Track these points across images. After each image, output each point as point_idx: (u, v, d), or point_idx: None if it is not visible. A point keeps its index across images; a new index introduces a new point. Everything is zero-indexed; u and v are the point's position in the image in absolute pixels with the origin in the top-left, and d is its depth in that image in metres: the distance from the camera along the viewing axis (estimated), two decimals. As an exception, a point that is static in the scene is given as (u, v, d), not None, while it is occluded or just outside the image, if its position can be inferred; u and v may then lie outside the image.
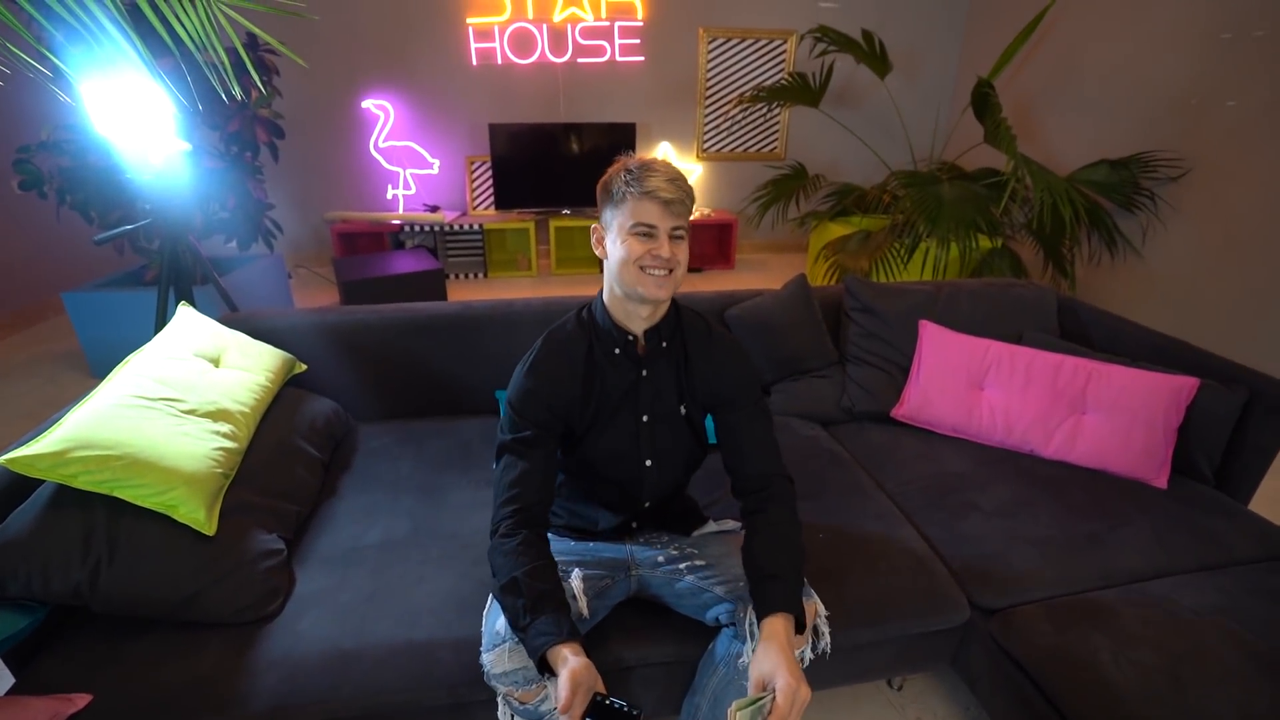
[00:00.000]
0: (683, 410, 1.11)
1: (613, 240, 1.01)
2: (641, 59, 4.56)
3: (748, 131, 4.87)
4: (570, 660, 0.83)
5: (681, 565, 1.10)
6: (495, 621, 0.98)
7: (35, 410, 2.62)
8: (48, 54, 1.43)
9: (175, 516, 1.09)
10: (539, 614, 0.89)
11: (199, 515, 1.11)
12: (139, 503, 1.07)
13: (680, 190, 0.97)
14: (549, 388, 1.04)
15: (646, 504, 1.15)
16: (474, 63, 4.40)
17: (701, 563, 1.10)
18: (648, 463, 1.11)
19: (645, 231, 0.96)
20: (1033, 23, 3.37)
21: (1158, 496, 1.49)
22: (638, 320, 1.05)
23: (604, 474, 1.12)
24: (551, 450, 1.06)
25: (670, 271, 0.98)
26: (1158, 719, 0.98)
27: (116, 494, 1.06)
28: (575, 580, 1.04)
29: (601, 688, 0.85)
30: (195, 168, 2.52)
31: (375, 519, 1.37)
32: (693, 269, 4.76)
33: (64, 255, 3.58)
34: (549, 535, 1.16)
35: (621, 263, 0.98)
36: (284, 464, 1.38)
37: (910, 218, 3.02)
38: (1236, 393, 1.52)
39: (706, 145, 4.87)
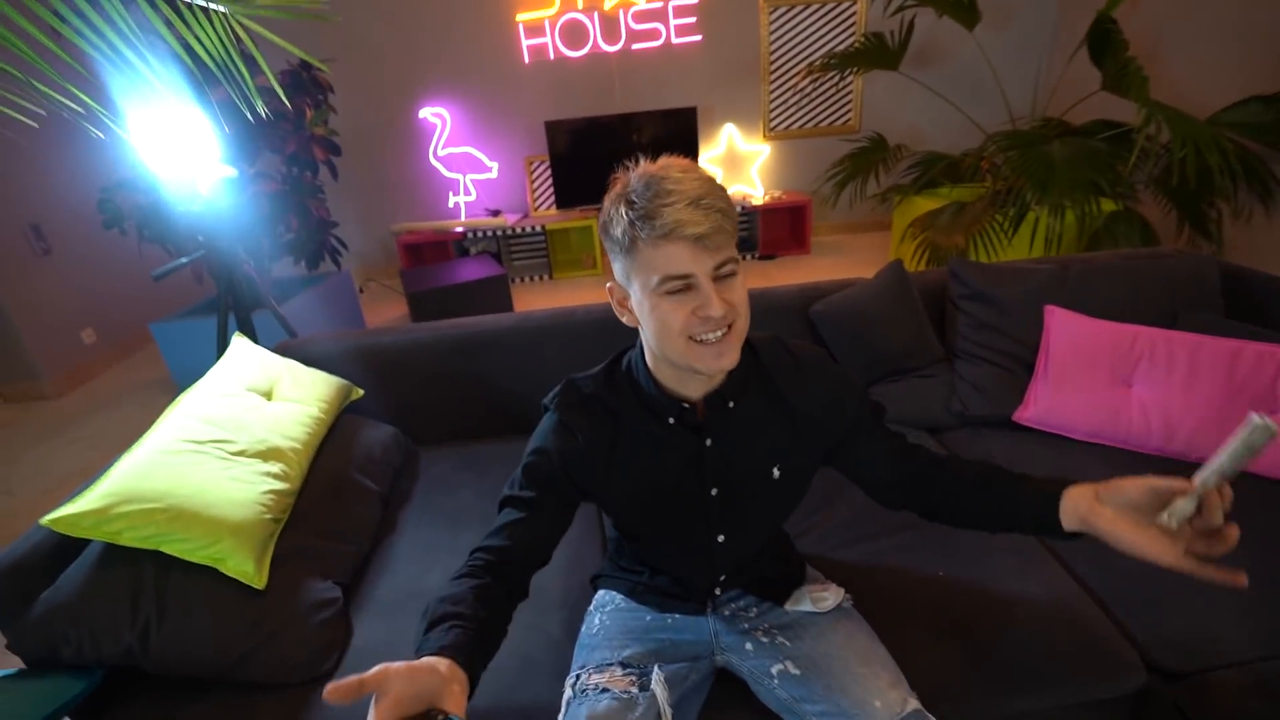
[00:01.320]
0: (776, 473, 0.87)
1: (638, 303, 0.75)
2: (699, 38, 4.32)
3: (818, 105, 4.54)
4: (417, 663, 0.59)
5: (772, 669, 0.89)
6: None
7: (133, 437, 2.75)
8: (85, 99, 1.42)
9: (224, 570, 1.02)
10: (447, 622, 0.67)
11: (248, 568, 1.03)
12: (186, 557, 1.00)
13: (713, 211, 0.68)
14: (567, 459, 0.84)
15: (723, 577, 0.96)
16: (526, 60, 4.31)
17: (796, 671, 0.87)
18: (720, 538, 0.90)
19: (679, 286, 0.70)
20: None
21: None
22: (695, 385, 0.82)
23: (663, 548, 0.94)
24: (554, 518, 0.85)
25: (729, 328, 0.73)
26: None
27: (163, 549, 0.99)
28: (656, 684, 0.86)
29: (453, 705, 0.57)
30: (255, 192, 2.55)
31: (436, 558, 1.27)
32: (765, 256, 4.51)
33: (155, 288, 3.78)
34: (628, 598, 1.01)
35: (660, 336, 0.74)
36: (339, 502, 1.30)
37: (1014, 184, 2.66)
38: None
39: (774, 124, 4.58)
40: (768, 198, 4.49)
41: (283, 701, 1.00)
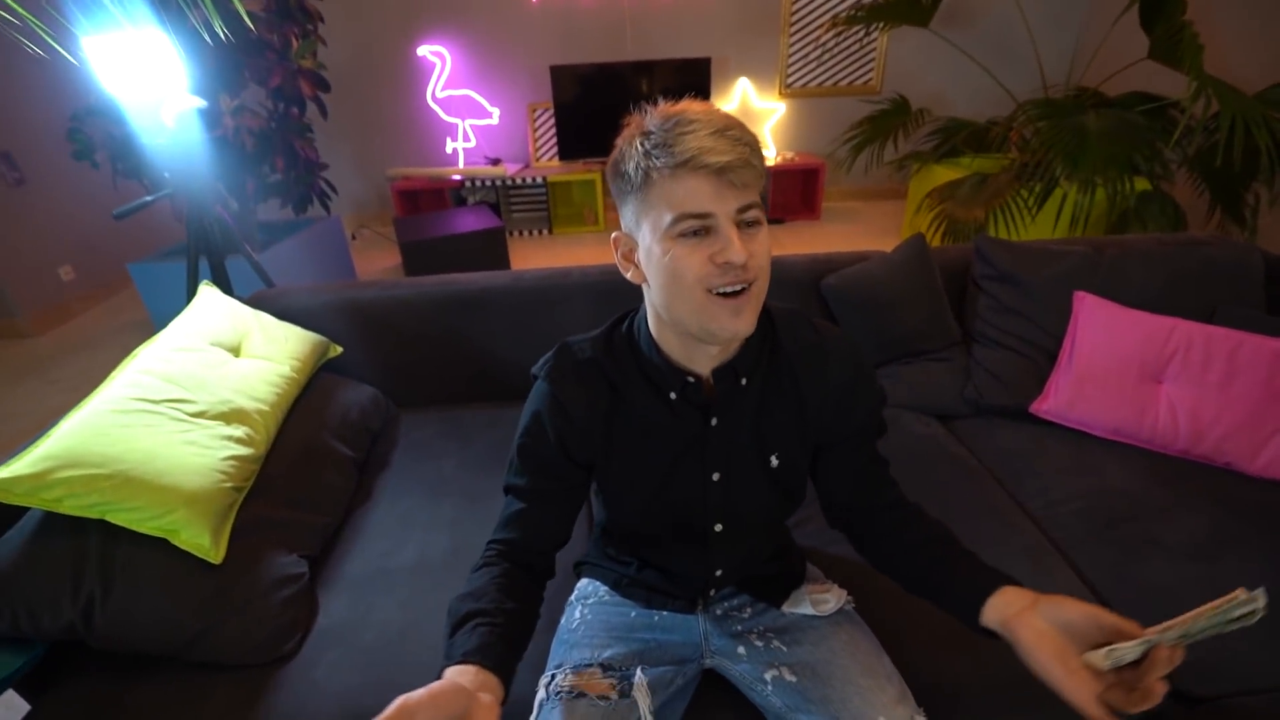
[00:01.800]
0: (774, 462, 0.79)
1: (646, 251, 0.65)
2: (717, -17, 4.07)
3: (839, 62, 4.30)
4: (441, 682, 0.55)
5: (766, 675, 0.82)
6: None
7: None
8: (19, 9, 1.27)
9: (176, 542, 0.94)
10: (470, 622, 0.65)
11: (203, 541, 0.95)
12: (134, 528, 0.92)
13: (739, 142, 0.60)
14: (562, 434, 0.76)
15: (718, 572, 0.87)
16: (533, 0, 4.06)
17: (792, 679, 0.80)
18: (717, 528, 0.82)
19: (696, 227, 0.61)
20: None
21: None
22: (703, 358, 0.72)
23: (656, 534, 0.86)
24: (561, 501, 0.80)
25: (749, 285, 0.63)
26: None
27: (109, 519, 0.91)
28: (639, 691, 0.79)
29: None
30: (237, 127, 2.39)
31: (411, 532, 1.20)
32: (774, 220, 4.35)
33: (136, 225, 3.62)
34: (612, 591, 0.93)
35: (669, 289, 0.64)
36: (310, 469, 1.22)
37: (1042, 157, 2.50)
38: None
39: (791, 80, 4.35)
40: (779, 159, 4.31)
41: (240, 683, 0.93)
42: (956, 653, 0.93)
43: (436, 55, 4.17)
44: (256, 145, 2.53)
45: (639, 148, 0.62)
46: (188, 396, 1.09)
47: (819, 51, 4.25)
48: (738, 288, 0.62)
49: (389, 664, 0.95)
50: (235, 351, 1.28)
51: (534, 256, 3.94)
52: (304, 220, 3.19)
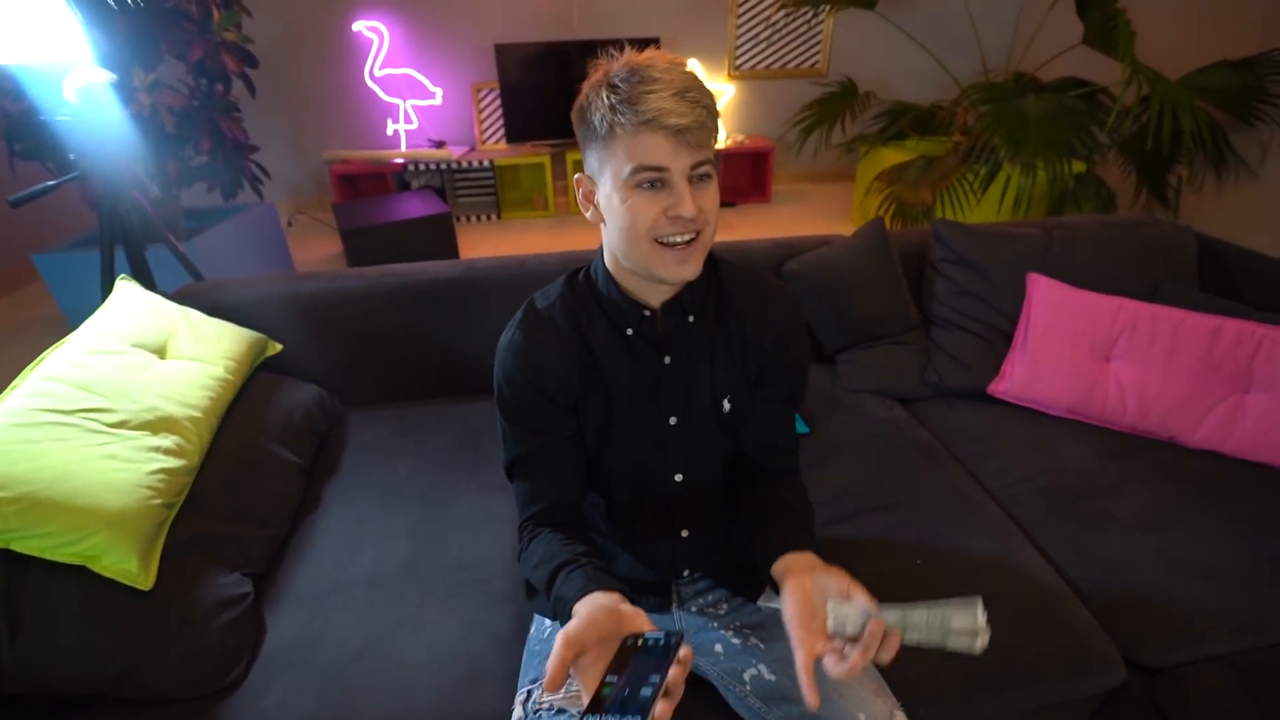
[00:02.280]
0: (726, 406, 0.82)
1: (606, 196, 0.70)
2: (665, -40, 3.98)
3: (787, 44, 4.30)
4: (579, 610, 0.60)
5: (745, 674, 0.81)
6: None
7: (20, 383, 2.42)
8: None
9: (98, 569, 0.85)
10: (562, 572, 0.68)
11: (129, 565, 0.86)
12: (46, 556, 0.82)
13: (698, 105, 0.64)
14: (540, 380, 0.77)
15: (685, 533, 0.87)
16: (475, -28, 3.88)
17: (771, 677, 0.79)
18: (678, 477, 0.84)
19: (652, 179, 0.66)
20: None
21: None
22: (655, 292, 0.77)
23: (622, 494, 0.86)
24: (568, 452, 0.81)
25: (696, 235, 0.69)
26: None
27: (14, 547, 0.81)
28: None
29: (638, 626, 0.58)
30: (153, 104, 2.18)
31: (365, 541, 1.13)
32: (725, 204, 4.34)
33: (43, 211, 3.31)
34: None
35: (625, 233, 0.69)
36: (251, 477, 1.13)
37: (986, 140, 2.56)
38: None
39: (740, 62, 4.33)
40: (730, 141, 4.29)
41: (181, 718, 0.85)
42: (932, 638, 0.94)
43: (373, 31, 3.95)
44: (178, 125, 2.33)
45: (605, 100, 0.65)
46: (106, 405, 0.99)
47: (769, 32, 4.24)
48: (687, 237, 0.68)
49: (348, 687, 0.89)
50: (160, 353, 1.17)
51: (484, 244, 3.81)
52: (234, 206, 2.98)
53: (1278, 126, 2.68)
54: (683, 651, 0.52)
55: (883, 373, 1.52)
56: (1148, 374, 1.34)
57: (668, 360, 0.79)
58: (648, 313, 0.77)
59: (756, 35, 4.25)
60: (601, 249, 0.79)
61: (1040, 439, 1.35)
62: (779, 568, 0.70)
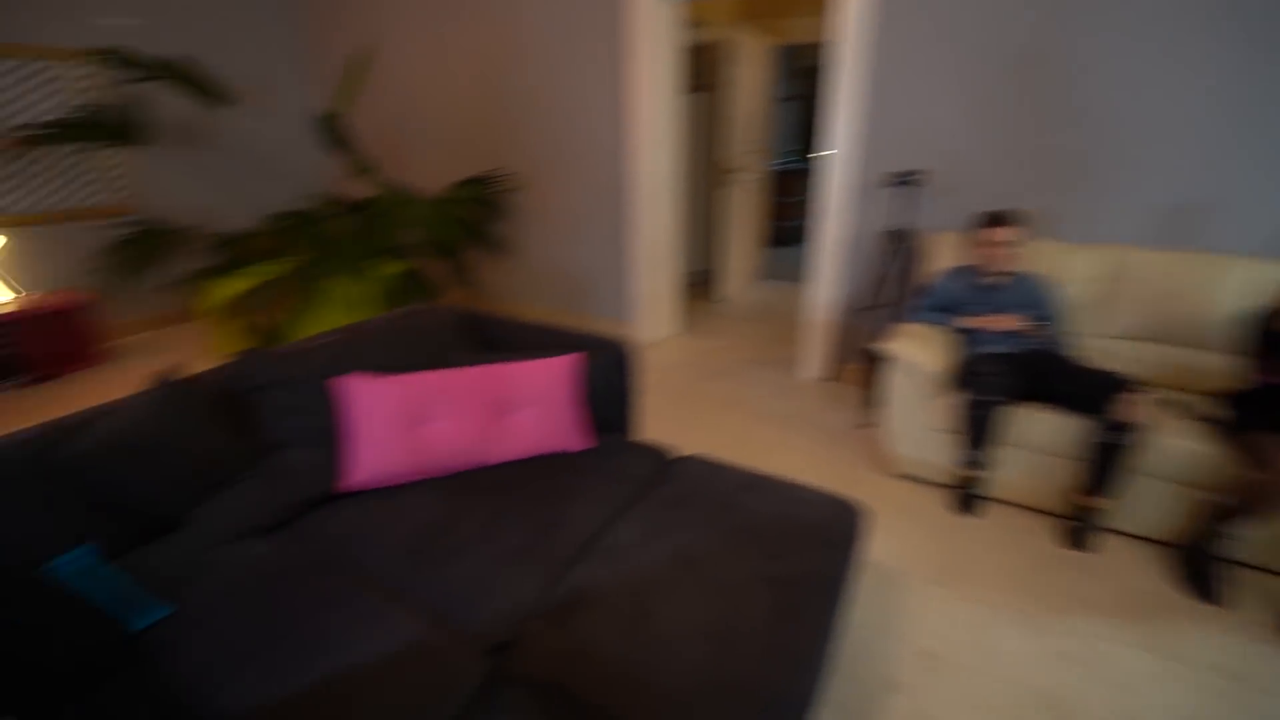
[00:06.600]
0: None
1: None
2: None
3: (77, 183, 3.61)
4: None
5: None
6: None
7: None
8: None
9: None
10: None
11: None
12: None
13: None
14: None
15: None
16: None
17: None
18: None
19: None
20: (361, 63, 3.49)
21: (589, 459, 1.75)
22: None
23: None
24: None
25: None
26: (633, 658, 1.12)
27: None
28: None
29: None
30: None
31: None
32: (42, 379, 3.35)
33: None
34: None
35: None
36: None
37: (317, 257, 2.78)
38: (609, 354, 1.91)
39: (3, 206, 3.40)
40: (21, 303, 3.34)
41: None
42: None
43: None
44: None
45: None
46: None
47: (44, 169, 3.47)
48: None
49: None
50: None
51: None
52: None
53: (515, 219, 3.84)
54: None
55: (240, 515, 1.44)
56: (461, 424, 1.70)
57: None
58: None
59: (29, 174, 3.42)
60: None
61: (397, 509, 1.53)
62: None
